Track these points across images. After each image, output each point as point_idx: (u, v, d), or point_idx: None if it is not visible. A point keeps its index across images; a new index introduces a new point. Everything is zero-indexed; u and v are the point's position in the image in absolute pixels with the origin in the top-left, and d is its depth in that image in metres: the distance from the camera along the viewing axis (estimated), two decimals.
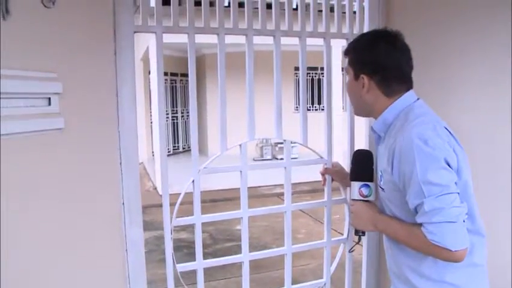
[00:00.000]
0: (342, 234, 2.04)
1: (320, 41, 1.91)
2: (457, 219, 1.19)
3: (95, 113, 1.46)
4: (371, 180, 1.48)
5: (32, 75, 1.18)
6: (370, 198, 1.46)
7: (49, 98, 1.25)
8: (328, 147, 1.93)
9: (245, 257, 1.84)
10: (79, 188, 1.38)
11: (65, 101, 1.29)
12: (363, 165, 1.51)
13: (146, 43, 9.24)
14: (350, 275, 2.05)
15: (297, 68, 1.91)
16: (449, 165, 1.22)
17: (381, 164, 1.39)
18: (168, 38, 1.91)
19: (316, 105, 12.94)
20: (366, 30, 1.95)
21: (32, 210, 1.22)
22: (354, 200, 1.49)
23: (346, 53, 1.48)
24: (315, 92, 12.88)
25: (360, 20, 1.95)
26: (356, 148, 1.96)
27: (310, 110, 12.56)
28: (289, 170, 1.87)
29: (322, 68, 1.97)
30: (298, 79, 1.95)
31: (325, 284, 2.01)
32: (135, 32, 1.58)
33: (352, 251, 1.92)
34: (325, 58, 1.92)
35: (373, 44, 1.39)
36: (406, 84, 1.39)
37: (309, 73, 12.18)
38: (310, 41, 1.87)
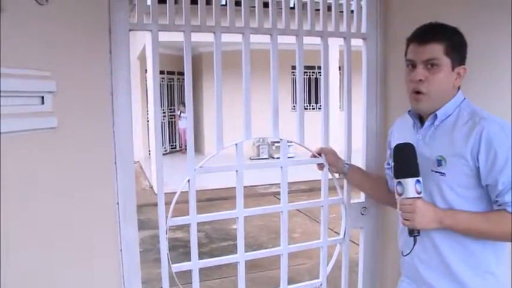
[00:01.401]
0: (338, 234, 2.03)
1: (317, 40, 1.90)
2: None
3: (90, 112, 1.44)
4: (420, 174, 1.40)
5: (25, 73, 1.17)
6: (422, 195, 1.39)
7: (42, 97, 1.23)
8: (325, 146, 1.92)
9: (241, 257, 1.83)
10: (73, 188, 1.37)
11: (58, 100, 1.28)
12: (412, 160, 1.41)
13: (143, 41, 9.22)
14: (346, 275, 2.04)
15: (294, 67, 1.89)
16: None
17: (440, 149, 1.40)
18: (165, 37, 1.90)
19: (313, 104, 12.95)
20: (363, 29, 1.94)
21: (25, 210, 1.21)
22: (410, 198, 1.38)
23: (438, 40, 1.39)
24: (312, 91, 12.89)
25: (358, 19, 1.94)
26: (352, 147, 1.96)
27: (307, 109, 12.57)
28: (285, 169, 1.86)
29: (319, 67, 1.96)
30: (295, 78, 1.94)
31: (321, 284, 2.00)
32: (130, 30, 1.57)
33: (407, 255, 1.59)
34: (322, 57, 1.91)
35: (463, 36, 1.43)
36: None
37: (306, 72, 12.19)
38: (307, 39, 1.86)
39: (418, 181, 1.38)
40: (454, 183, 1.38)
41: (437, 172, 1.40)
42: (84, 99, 1.41)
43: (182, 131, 12.93)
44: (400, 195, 1.41)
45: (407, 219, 1.39)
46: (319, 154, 1.88)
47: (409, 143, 1.44)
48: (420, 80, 1.40)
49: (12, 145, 1.14)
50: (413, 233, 1.41)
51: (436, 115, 1.43)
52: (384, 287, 2.06)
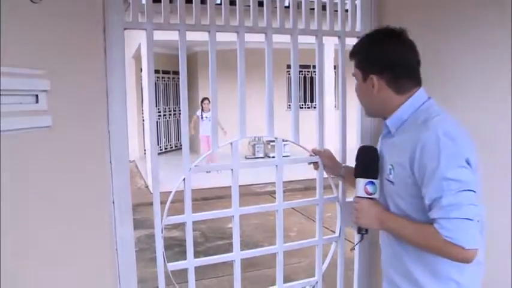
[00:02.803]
0: (334, 232, 2.04)
1: (312, 39, 1.91)
2: (473, 218, 1.19)
3: (84, 111, 1.44)
4: (376, 177, 1.45)
5: (19, 72, 1.16)
6: (375, 196, 1.44)
7: (36, 96, 1.23)
8: (320, 145, 1.93)
9: (236, 255, 1.84)
10: (68, 186, 1.37)
11: (53, 99, 1.27)
12: (369, 162, 1.47)
13: (138, 40, 9.19)
14: (342, 273, 2.05)
15: (289, 66, 1.89)
16: (469, 165, 1.23)
17: (392, 158, 1.39)
18: (160, 35, 1.90)
19: (308, 103, 12.96)
20: (358, 28, 1.95)
21: (20, 209, 1.20)
22: (358, 197, 1.45)
23: (352, 55, 1.46)
24: (307, 90, 12.90)
25: (352, 18, 1.94)
26: (347, 146, 1.97)
27: (302, 108, 12.57)
28: (280, 168, 1.86)
29: (314, 66, 1.97)
30: (291, 77, 1.94)
31: (317, 283, 2.00)
32: (125, 29, 1.57)
33: (353, 250, 1.90)
34: (317, 56, 1.92)
35: (379, 43, 1.40)
36: (416, 79, 1.40)
37: (302, 71, 12.18)
38: (302, 38, 1.86)
39: (370, 182, 1.43)
40: (402, 192, 1.36)
41: (388, 181, 1.41)
42: (79, 98, 1.41)
43: (206, 140, 9.17)
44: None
45: (355, 217, 1.45)
46: (316, 155, 1.89)
47: (372, 146, 1.52)
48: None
49: (6, 144, 1.13)
50: (361, 230, 1.49)
51: (385, 123, 1.44)
52: (379, 285, 2.07)
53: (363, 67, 1.42)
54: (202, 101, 9.61)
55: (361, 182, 1.45)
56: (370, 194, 1.43)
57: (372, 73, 1.38)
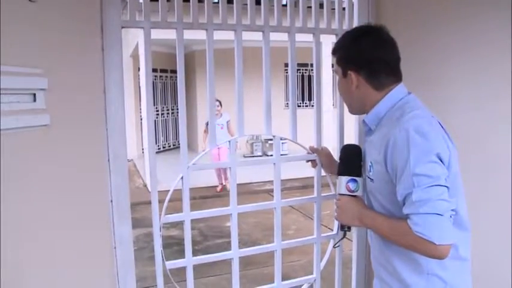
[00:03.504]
0: (332, 230, 2.04)
1: (310, 37, 1.91)
2: (443, 213, 1.18)
3: (82, 110, 1.44)
4: (359, 175, 1.46)
5: (16, 70, 1.16)
6: (357, 194, 1.44)
7: (34, 94, 1.23)
8: (318, 143, 1.93)
9: (235, 253, 1.84)
10: (66, 185, 1.37)
11: (50, 97, 1.27)
12: (351, 160, 1.49)
13: (136, 39, 9.18)
14: (340, 271, 2.05)
15: (287, 64, 1.90)
16: (441, 160, 1.22)
17: (371, 155, 1.39)
18: (158, 34, 1.90)
19: (306, 101, 12.96)
20: (355, 25, 1.95)
21: (18, 208, 1.20)
22: (340, 194, 1.46)
23: (333, 52, 1.47)
24: (305, 89, 12.90)
25: (350, 16, 1.94)
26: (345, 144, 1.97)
27: (300, 106, 12.56)
28: (278, 166, 1.86)
29: (312, 65, 1.97)
30: (288, 75, 1.95)
31: (315, 280, 2.01)
32: (122, 27, 1.57)
33: (337, 246, 1.92)
34: (314, 54, 1.92)
35: (357, 40, 1.40)
36: (395, 76, 1.40)
37: (299, 69, 12.18)
38: (300, 37, 1.86)
39: (353, 180, 1.44)
40: (382, 189, 1.36)
41: (368, 178, 1.41)
42: (77, 96, 1.41)
43: (217, 153, 7.53)
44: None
45: (337, 214, 1.47)
46: (314, 153, 1.89)
47: (356, 145, 1.54)
48: None
49: (5, 142, 1.13)
50: (343, 227, 1.51)
51: (364, 121, 1.45)
52: None
53: (342, 63, 1.43)
54: None
55: (343, 179, 1.46)
56: (352, 192, 1.44)
57: (350, 69, 1.40)
